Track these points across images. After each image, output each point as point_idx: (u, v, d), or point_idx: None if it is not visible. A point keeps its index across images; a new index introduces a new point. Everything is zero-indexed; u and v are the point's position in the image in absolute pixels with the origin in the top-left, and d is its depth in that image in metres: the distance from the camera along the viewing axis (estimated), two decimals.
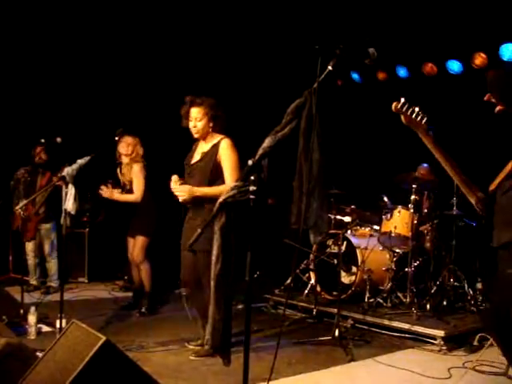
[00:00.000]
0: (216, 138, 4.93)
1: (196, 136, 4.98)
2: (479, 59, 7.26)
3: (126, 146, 6.36)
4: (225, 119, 4.99)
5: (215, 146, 4.88)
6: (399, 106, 3.10)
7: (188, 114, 4.94)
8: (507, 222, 2.99)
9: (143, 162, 6.40)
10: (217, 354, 3.63)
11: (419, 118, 3.12)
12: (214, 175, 4.82)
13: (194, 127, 4.91)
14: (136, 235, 6.37)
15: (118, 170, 6.54)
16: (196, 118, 4.89)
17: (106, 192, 6.20)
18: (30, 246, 7.56)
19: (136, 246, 6.35)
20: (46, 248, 7.58)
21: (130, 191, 6.35)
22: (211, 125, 4.93)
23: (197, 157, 4.98)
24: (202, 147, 4.97)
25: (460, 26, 6.94)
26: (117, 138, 6.05)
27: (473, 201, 3.14)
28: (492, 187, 3.13)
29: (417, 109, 3.12)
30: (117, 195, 6.31)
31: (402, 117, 3.14)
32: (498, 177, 3.15)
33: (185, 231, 4.94)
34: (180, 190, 4.78)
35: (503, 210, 3.02)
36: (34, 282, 7.58)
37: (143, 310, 6.35)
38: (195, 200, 4.78)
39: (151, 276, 6.41)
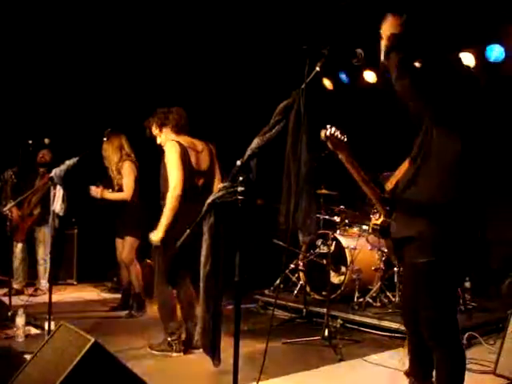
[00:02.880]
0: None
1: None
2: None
3: (104, 146, 6.34)
4: (175, 120, 5.14)
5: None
6: (328, 132, 3.27)
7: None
8: (410, 217, 3.14)
9: (132, 160, 6.37)
10: (207, 355, 3.62)
11: (342, 139, 3.33)
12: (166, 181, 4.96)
13: (159, 144, 5.20)
14: (125, 236, 6.35)
15: (110, 171, 6.52)
16: (157, 135, 5.21)
17: (96, 191, 6.19)
18: (19, 248, 7.50)
19: (125, 247, 6.33)
20: (40, 251, 7.53)
21: (121, 190, 6.32)
22: (165, 132, 5.15)
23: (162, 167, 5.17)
24: None
25: (447, 25, 6.96)
26: (105, 139, 6.03)
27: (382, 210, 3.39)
28: (390, 186, 3.32)
29: (338, 133, 3.32)
30: (107, 194, 6.29)
31: (329, 143, 3.31)
32: (395, 175, 3.35)
33: None
34: None
35: (405, 205, 3.18)
36: (16, 285, 7.43)
37: (132, 311, 6.34)
38: None
39: (140, 277, 6.40)
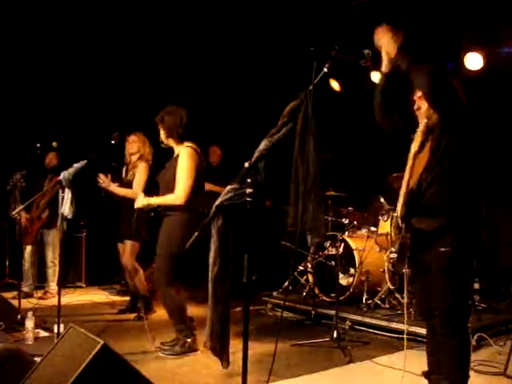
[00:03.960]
0: (179, 148, 5.08)
1: (163, 146, 5.22)
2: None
3: (132, 144, 6.35)
4: (176, 126, 5.07)
5: (177, 157, 5.04)
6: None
7: None
8: (434, 211, 3.30)
9: (149, 163, 6.36)
10: (216, 356, 3.63)
11: None
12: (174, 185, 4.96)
13: (161, 136, 5.18)
14: (124, 240, 6.34)
15: (124, 171, 6.49)
16: (161, 129, 5.15)
17: (104, 181, 6.14)
18: (28, 251, 7.52)
19: (125, 251, 6.31)
20: (49, 254, 7.54)
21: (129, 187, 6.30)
22: (166, 133, 5.10)
23: (166, 168, 5.18)
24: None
25: (453, 27, 6.96)
26: (113, 142, 6.04)
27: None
28: (406, 189, 3.35)
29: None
30: (114, 187, 6.21)
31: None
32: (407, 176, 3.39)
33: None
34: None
35: (430, 201, 3.29)
36: (26, 288, 7.44)
37: (140, 313, 6.34)
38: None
39: (144, 280, 6.39)
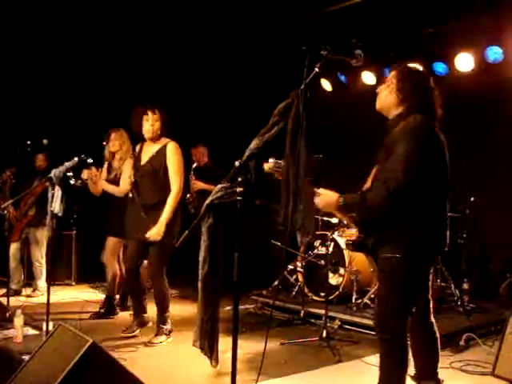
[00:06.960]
0: (163, 141, 5.32)
1: (147, 136, 5.33)
2: None
3: (114, 142, 6.28)
4: (169, 122, 5.35)
5: (162, 149, 5.27)
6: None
7: (145, 116, 5.31)
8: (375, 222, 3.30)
9: (132, 158, 6.31)
10: (205, 355, 3.63)
11: None
12: (163, 177, 5.21)
13: (151, 126, 5.26)
14: (107, 236, 6.32)
15: (105, 168, 6.40)
16: (153, 119, 5.27)
17: (96, 175, 6.07)
18: (14, 248, 7.48)
19: (107, 248, 6.29)
20: (36, 253, 7.49)
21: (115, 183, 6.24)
22: (162, 129, 5.30)
23: (145, 158, 5.35)
24: (149, 149, 5.36)
25: (446, 28, 6.98)
26: (105, 143, 6.02)
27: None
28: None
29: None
30: (103, 182, 6.15)
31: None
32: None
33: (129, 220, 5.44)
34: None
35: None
36: (14, 286, 7.41)
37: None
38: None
39: (117, 280, 6.36)
